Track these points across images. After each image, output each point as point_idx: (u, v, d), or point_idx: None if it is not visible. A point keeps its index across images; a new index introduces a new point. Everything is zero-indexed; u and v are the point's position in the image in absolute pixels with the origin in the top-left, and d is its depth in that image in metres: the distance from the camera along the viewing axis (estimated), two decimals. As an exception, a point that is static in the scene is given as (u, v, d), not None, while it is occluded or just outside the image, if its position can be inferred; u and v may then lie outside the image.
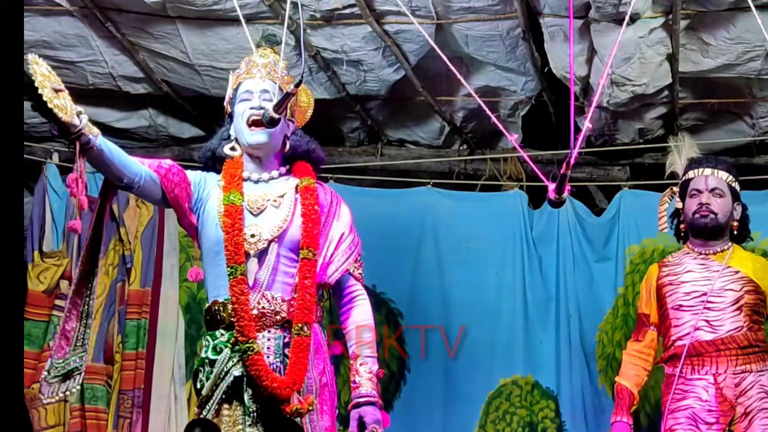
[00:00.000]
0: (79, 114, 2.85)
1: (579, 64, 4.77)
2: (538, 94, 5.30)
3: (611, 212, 5.58)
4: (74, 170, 2.80)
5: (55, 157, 5.50)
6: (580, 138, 2.78)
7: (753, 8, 3.57)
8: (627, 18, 4.18)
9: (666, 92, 5.07)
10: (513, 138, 3.74)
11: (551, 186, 2.57)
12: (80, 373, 3.00)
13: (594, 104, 3.50)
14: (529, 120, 5.49)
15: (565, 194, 2.59)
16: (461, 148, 5.85)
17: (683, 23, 4.53)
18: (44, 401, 3.03)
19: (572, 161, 2.55)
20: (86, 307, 3.04)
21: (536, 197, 5.64)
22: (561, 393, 5.44)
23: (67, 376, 2.98)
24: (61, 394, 2.98)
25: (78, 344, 3.02)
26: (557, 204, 2.62)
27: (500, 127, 3.15)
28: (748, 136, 5.51)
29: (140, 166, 3.09)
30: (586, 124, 2.69)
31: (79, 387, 3.02)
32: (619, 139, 5.57)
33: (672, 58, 4.74)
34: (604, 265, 5.50)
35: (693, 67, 4.85)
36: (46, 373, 2.97)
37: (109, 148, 3.00)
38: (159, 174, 3.11)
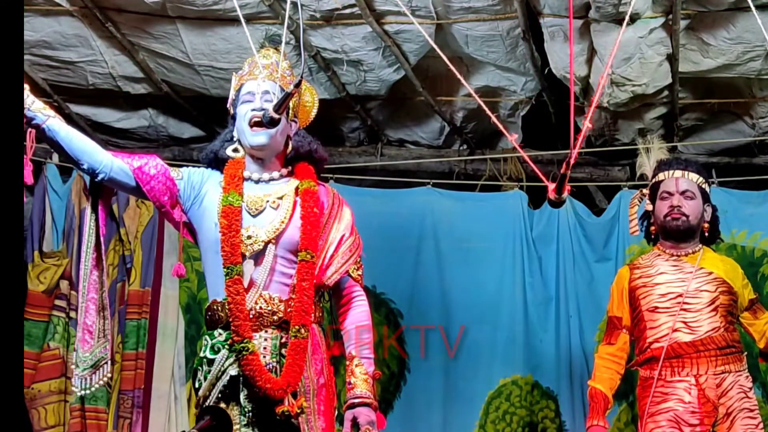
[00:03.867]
0: None
1: (579, 64, 4.78)
2: (538, 94, 5.30)
3: (611, 212, 5.58)
4: None
5: (55, 157, 5.50)
6: (580, 138, 2.78)
7: (753, 8, 3.58)
8: (627, 18, 4.18)
9: (666, 92, 5.07)
10: (513, 138, 3.72)
11: (551, 186, 2.57)
12: (107, 362, 3.18)
13: (594, 104, 3.50)
14: (529, 120, 5.49)
15: (565, 194, 2.59)
16: (461, 148, 5.85)
17: (683, 23, 4.53)
18: (80, 393, 3.21)
19: (572, 161, 2.55)
20: (101, 300, 3.19)
21: (536, 197, 5.64)
22: (561, 393, 5.44)
23: (96, 367, 3.17)
24: (96, 385, 3.16)
25: (100, 336, 3.19)
26: (557, 204, 2.62)
27: (500, 127, 3.14)
28: (748, 136, 5.51)
29: (108, 157, 3.17)
30: (586, 124, 2.69)
31: (110, 375, 3.22)
32: (619, 139, 5.57)
33: (672, 58, 4.74)
34: (604, 265, 5.50)
35: (693, 67, 4.85)
36: (74, 367, 3.16)
37: (66, 131, 3.11)
38: (131, 166, 3.17)
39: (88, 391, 3.19)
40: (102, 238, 3.20)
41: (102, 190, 3.22)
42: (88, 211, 3.21)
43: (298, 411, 3.04)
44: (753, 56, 4.75)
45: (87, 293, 3.17)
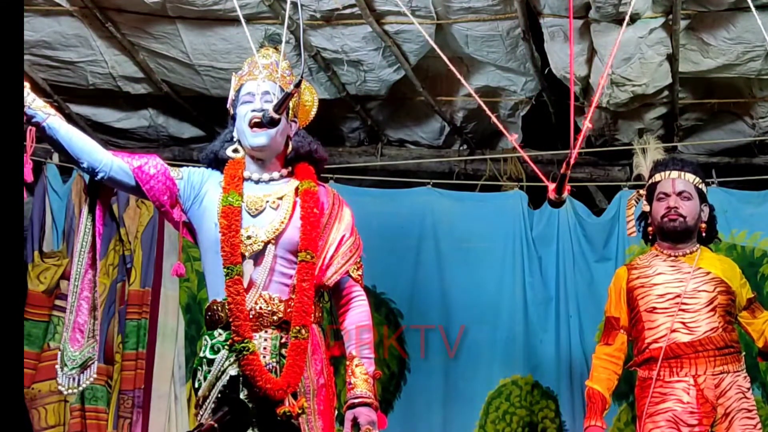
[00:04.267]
0: None
1: (579, 64, 4.78)
2: (538, 94, 5.30)
3: (611, 212, 5.58)
4: None
5: (56, 157, 5.50)
6: (580, 138, 2.78)
7: (753, 8, 3.57)
8: (627, 18, 4.18)
9: (666, 92, 5.07)
10: (513, 138, 3.73)
11: (551, 186, 2.57)
12: (94, 362, 3.18)
13: (594, 104, 3.50)
14: (529, 120, 5.49)
15: (565, 194, 2.59)
16: (461, 148, 5.85)
17: (683, 23, 4.53)
18: (66, 392, 3.17)
19: (572, 161, 2.55)
20: (93, 300, 3.18)
21: (536, 197, 5.64)
22: (561, 393, 5.44)
23: (84, 366, 3.16)
24: (84, 384, 3.16)
25: (90, 336, 3.18)
26: (557, 204, 2.62)
27: (500, 127, 3.14)
28: (748, 136, 5.51)
29: (108, 156, 3.17)
30: (586, 124, 2.69)
31: (95, 375, 3.20)
32: (619, 139, 5.57)
33: (672, 58, 4.74)
34: (604, 265, 5.50)
35: (693, 67, 4.85)
36: (62, 366, 3.14)
37: (67, 130, 3.11)
38: (131, 165, 3.18)
39: (74, 391, 3.17)
40: (98, 238, 3.20)
41: (101, 190, 3.23)
42: (85, 210, 3.21)
43: (299, 411, 3.04)
44: (753, 56, 4.75)
45: (80, 292, 3.16)
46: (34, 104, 3.05)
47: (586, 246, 5.57)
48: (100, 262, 5.39)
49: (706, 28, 4.63)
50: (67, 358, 3.14)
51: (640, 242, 5.36)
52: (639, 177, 4.53)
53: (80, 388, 3.17)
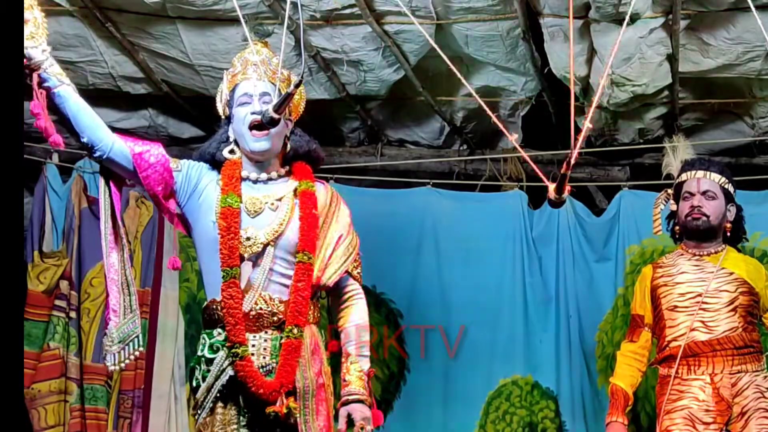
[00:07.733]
0: (43, 51, 2.98)
1: (579, 64, 4.77)
2: (538, 94, 5.30)
3: (611, 212, 5.59)
4: (34, 98, 2.94)
5: (55, 157, 5.50)
6: (580, 138, 2.78)
7: (753, 8, 3.57)
8: (627, 18, 4.18)
9: (666, 92, 5.07)
10: (513, 138, 3.72)
11: (551, 186, 2.57)
12: (137, 336, 3.18)
13: (594, 104, 3.50)
14: (529, 120, 5.49)
15: (565, 194, 2.59)
16: (461, 148, 5.85)
17: (683, 23, 4.53)
18: (111, 368, 3.19)
19: (572, 161, 2.55)
20: (124, 278, 3.17)
21: (536, 197, 5.64)
22: (561, 393, 5.44)
23: (124, 342, 3.16)
24: (128, 360, 3.17)
25: (127, 312, 3.17)
26: (557, 204, 2.62)
27: (500, 127, 3.14)
28: (748, 136, 5.51)
29: (111, 137, 3.13)
30: (586, 124, 2.69)
31: (142, 348, 3.22)
32: (619, 139, 5.57)
33: (672, 58, 4.74)
34: (604, 265, 5.51)
35: (693, 67, 4.85)
36: (108, 344, 3.16)
37: (76, 102, 3.08)
38: (132, 151, 3.14)
39: (119, 366, 3.18)
40: (118, 214, 3.17)
41: (111, 174, 3.18)
42: (102, 194, 3.17)
43: (285, 411, 3.04)
44: (753, 56, 4.75)
45: (108, 274, 3.16)
46: (50, 69, 3.01)
47: (586, 246, 5.57)
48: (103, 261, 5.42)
49: (706, 28, 4.63)
50: (108, 337, 3.15)
51: (640, 242, 5.39)
52: (669, 176, 4.55)
53: (124, 364, 3.18)
